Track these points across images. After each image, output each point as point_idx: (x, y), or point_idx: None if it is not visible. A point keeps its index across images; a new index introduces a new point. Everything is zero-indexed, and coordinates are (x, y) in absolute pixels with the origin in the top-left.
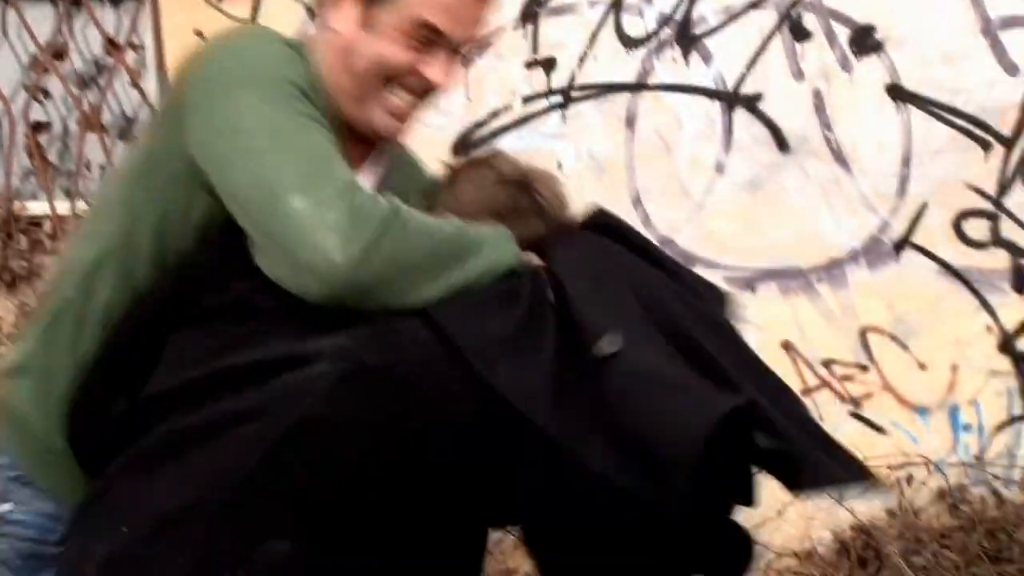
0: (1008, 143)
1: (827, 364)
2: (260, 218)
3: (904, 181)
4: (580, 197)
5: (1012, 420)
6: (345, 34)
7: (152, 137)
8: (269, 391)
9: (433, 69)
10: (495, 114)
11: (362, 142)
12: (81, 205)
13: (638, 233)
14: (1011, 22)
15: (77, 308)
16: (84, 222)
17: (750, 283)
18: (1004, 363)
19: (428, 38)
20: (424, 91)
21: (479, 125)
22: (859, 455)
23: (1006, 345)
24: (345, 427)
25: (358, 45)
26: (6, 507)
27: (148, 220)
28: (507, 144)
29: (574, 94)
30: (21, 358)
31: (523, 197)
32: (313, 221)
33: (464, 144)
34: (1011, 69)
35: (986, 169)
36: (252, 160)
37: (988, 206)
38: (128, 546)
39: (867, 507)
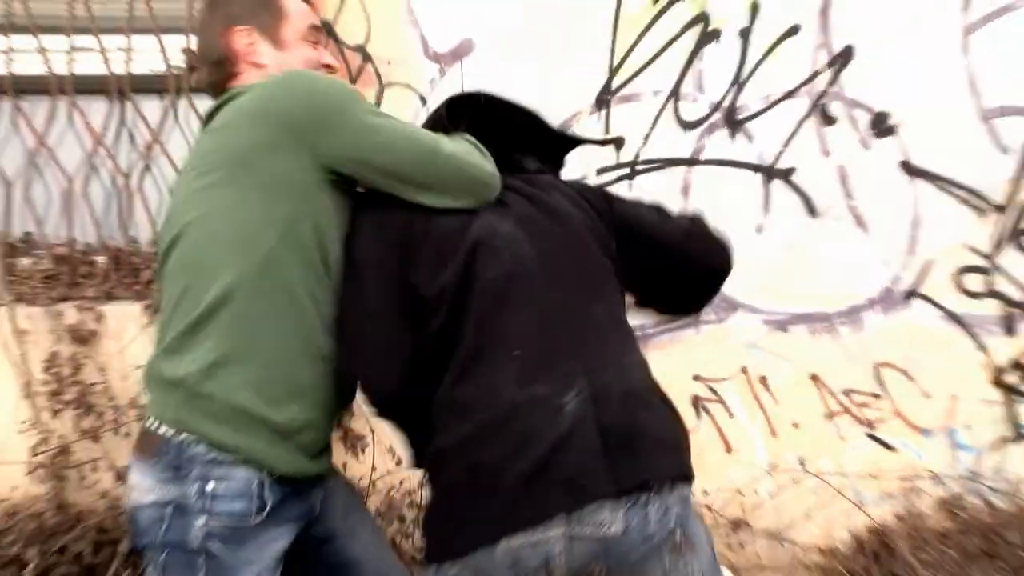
0: (1001, 210)
1: (847, 393)
2: (429, 170)
3: (914, 242)
4: None
5: (1002, 441)
6: (271, 62)
7: (259, 168)
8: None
9: (329, 58)
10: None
11: None
12: None
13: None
14: (1004, 111)
15: (258, 307)
16: (195, 248)
17: (783, 325)
18: (995, 394)
19: (316, 35)
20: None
21: None
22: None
23: (998, 379)
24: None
25: (287, 61)
26: (211, 485)
27: (302, 228)
28: None
29: (639, 167)
30: (215, 356)
31: None
32: (464, 156)
33: None
34: (1004, 149)
35: (983, 232)
36: (401, 143)
37: (984, 263)
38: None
39: (880, 512)
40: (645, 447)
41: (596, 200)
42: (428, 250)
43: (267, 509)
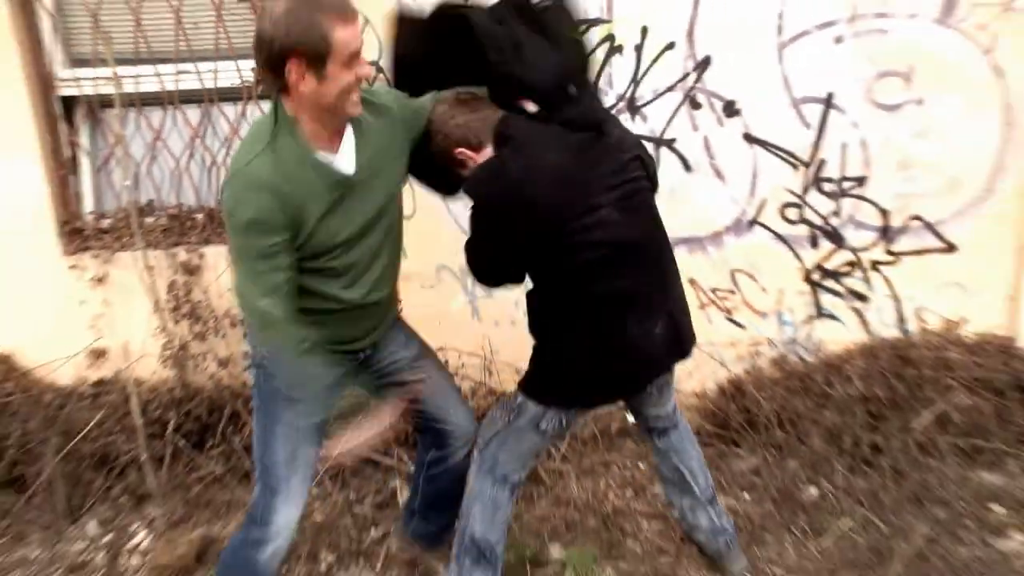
0: (807, 165)
1: (713, 290)
2: (241, 306)
3: (753, 187)
4: None
5: (810, 319)
6: (309, 92)
7: None
8: None
9: (364, 70)
10: None
11: (338, 125)
12: None
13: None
14: (805, 100)
15: (299, 305)
16: None
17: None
18: (806, 288)
19: (353, 59)
20: (363, 82)
21: None
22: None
23: (807, 278)
24: None
25: (324, 91)
26: (262, 352)
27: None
28: None
29: None
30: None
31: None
32: (254, 322)
33: None
34: (807, 125)
35: (796, 180)
36: (239, 282)
37: (797, 201)
38: None
39: (736, 369)
40: (688, 338)
41: (647, 158)
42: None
43: None
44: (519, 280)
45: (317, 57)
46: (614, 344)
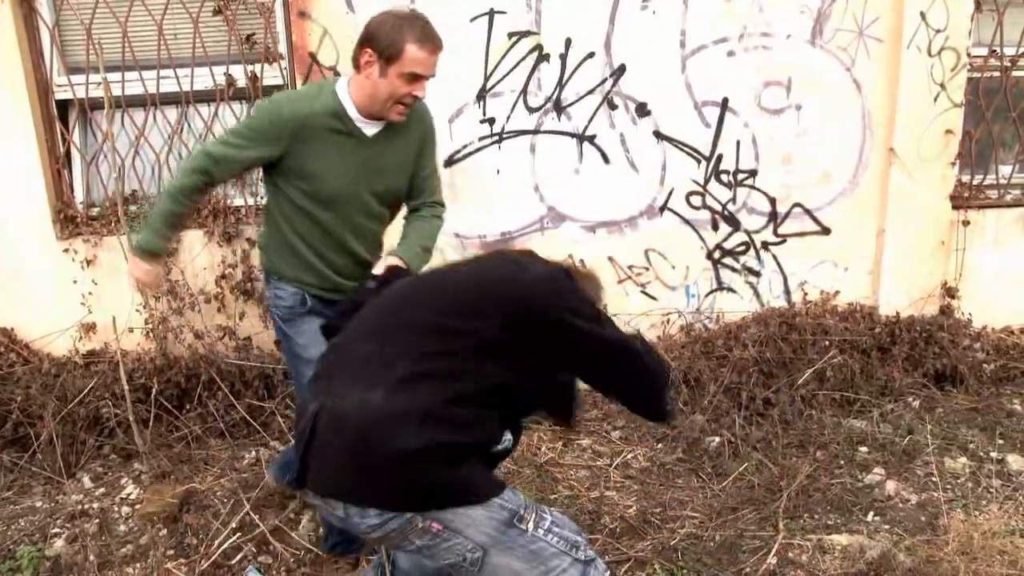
0: (708, 159)
1: (630, 267)
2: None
3: (663, 177)
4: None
5: (711, 292)
6: (371, 80)
7: None
8: None
9: (420, 91)
10: (466, 146)
11: (379, 118)
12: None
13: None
14: (705, 104)
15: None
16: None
17: (593, 228)
18: (709, 265)
19: (415, 79)
20: (413, 101)
21: (458, 151)
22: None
23: (709, 256)
24: None
25: (379, 85)
26: (277, 292)
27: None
28: (477, 157)
29: (504, 136)
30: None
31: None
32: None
33: (451, 160)
34: (707, 125)
35: (699, 172)
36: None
37: (700, 190)
38: None
39: (649, 335)
40: (343, 481)
41: None
42: None
43: (307, 309)
44: None
45: (386, 56)
46: None
